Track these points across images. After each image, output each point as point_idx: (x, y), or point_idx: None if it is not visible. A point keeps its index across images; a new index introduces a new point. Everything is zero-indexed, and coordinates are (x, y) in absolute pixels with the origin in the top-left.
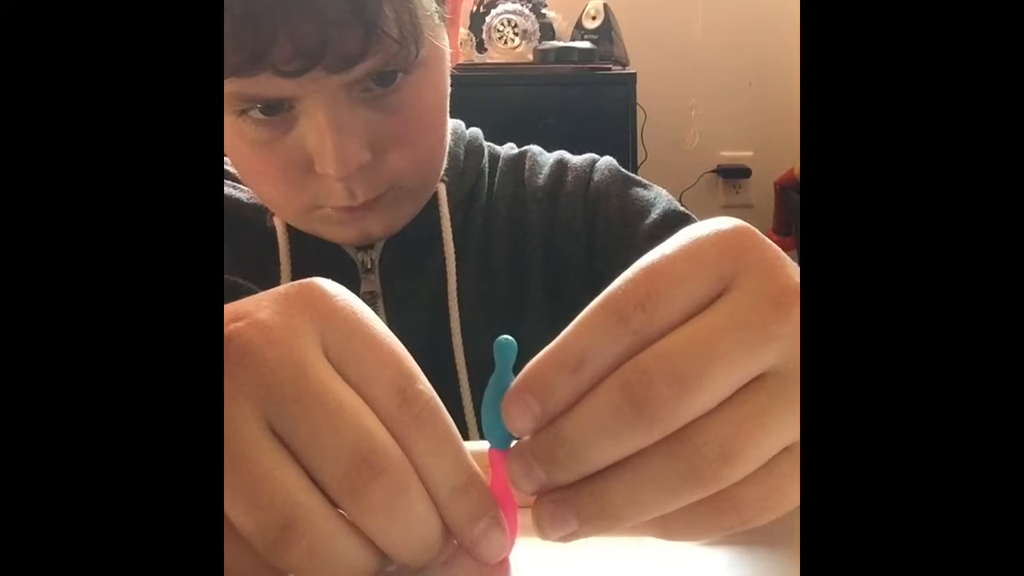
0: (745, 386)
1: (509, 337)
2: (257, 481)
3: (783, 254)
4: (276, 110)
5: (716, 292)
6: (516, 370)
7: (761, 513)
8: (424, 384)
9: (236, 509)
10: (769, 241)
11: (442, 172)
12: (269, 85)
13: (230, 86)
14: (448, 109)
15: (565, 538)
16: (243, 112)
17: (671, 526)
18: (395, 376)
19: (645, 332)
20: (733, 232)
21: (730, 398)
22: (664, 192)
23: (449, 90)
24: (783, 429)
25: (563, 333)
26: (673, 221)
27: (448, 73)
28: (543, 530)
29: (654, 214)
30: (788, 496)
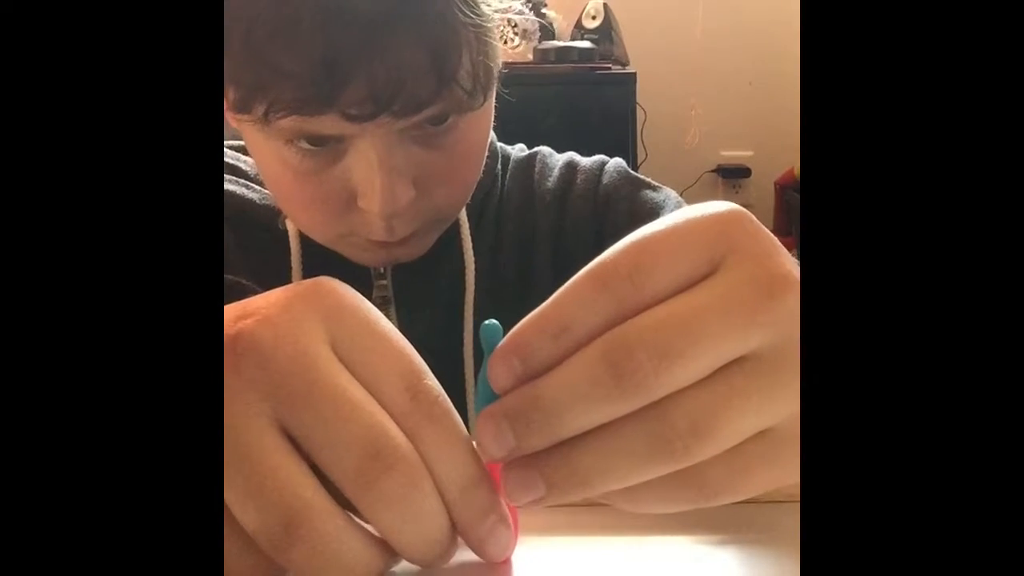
0: (726, 366)
1: (494, 321)
2: (262, 478)
3: (777, 242)
4: (325, 142)
5: (705, 272)
6: None
7: (724, 491)
8: (433, 381)
9: (241, 506)
10: (764, 228)
11: None
12: (328, 124)
13: (287, 121)
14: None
15: (532, 503)
16: (290, 141)
17: (635, 495)
18: (404, 373)
19: (630, 303)
20: (728, 215)
21: (709, 376)
22: (673, 194)
23: (491, 127)
24: (759, 413)
25: (550, 299)
26: None
27: (491, 115)
28: (510, 494)
29: (663, 216)
30: (753, 479)
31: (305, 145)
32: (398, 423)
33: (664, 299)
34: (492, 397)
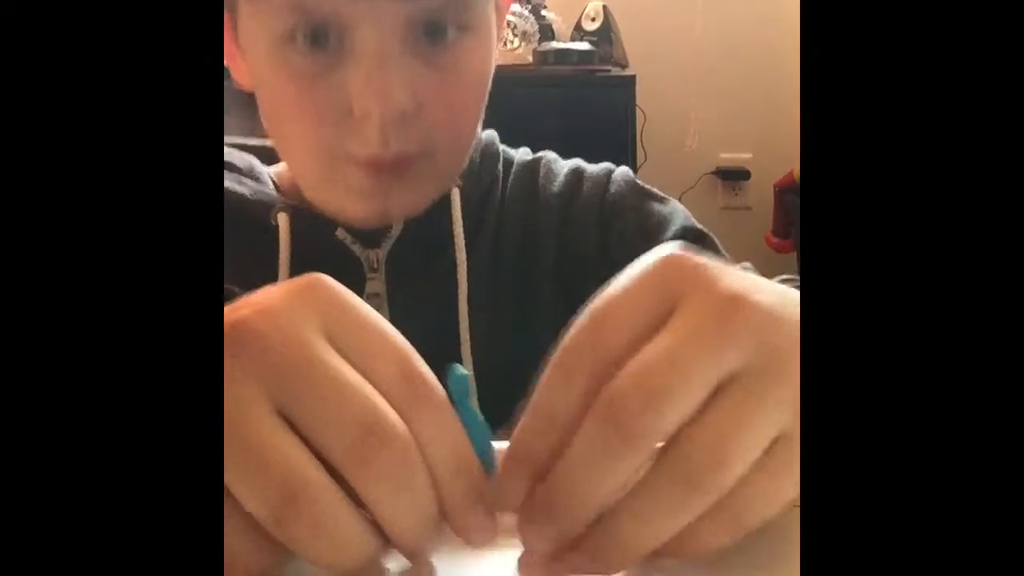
0: (718, 393)
1: (462, 371)
2: (263, 457)
3: (722, 265)
4: (324, 41)
5: (663, 317)
6: (523, 380)
7: (758, 511)
8: (425, 366)
9: (241, 485)
10: (704, 258)
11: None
12: (328, 2)
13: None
14: (487, 96)
15: None
16: (290, 40)
17: (681, 544)
18: (398, 358)
19: (601, 373)
20: (667, 260)
21: (707, 407)
22: (680, 207)
23: (491, 76)
24: (764, 424)
25: (532, 397)
26: (690, 238)
27: (493, 57)
28: None
29: (671, 231)
30: (783, 489)
31: (304, 46)
32: (392, 405)
33: (633, 354)
34: (480, 430)
